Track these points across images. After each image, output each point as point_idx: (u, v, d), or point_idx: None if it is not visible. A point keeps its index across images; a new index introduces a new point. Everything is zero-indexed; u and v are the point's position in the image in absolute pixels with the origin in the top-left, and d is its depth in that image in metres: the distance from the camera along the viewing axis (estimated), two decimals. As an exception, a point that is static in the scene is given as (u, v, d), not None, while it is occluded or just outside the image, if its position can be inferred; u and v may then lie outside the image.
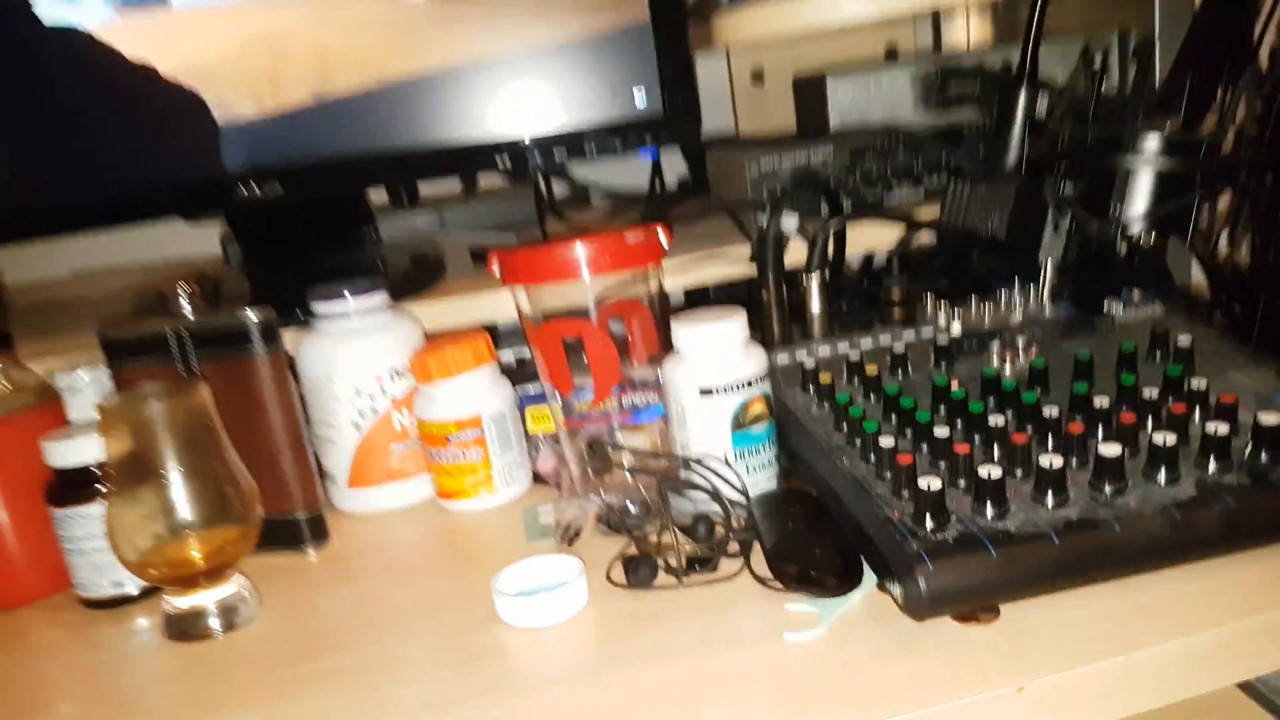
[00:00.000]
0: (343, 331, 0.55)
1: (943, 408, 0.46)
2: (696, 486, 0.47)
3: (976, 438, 0.43)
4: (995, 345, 0.52)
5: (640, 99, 0.65)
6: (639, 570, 0.44)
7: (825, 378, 0.50)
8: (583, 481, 0.51)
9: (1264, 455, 0.39)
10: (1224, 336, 0.50)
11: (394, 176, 0.73)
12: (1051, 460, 0.38)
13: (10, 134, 0.60)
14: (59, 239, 0.63)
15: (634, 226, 0.53)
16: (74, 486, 0.48)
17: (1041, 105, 0.50)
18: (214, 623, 0.45)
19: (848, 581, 0.40)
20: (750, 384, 0.48)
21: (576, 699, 0.36)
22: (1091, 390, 0.45)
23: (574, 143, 0.65)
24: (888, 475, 0.41)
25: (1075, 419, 0.43)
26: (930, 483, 0.38)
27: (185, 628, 0.45)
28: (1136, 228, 0.48)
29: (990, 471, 0.38)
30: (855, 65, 0.74)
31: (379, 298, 0.56)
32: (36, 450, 0.49)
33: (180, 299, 0.50)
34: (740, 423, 0.48)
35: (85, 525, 0.48)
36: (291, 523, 0.52)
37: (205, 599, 0.45)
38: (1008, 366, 0.50)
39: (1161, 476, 0.39)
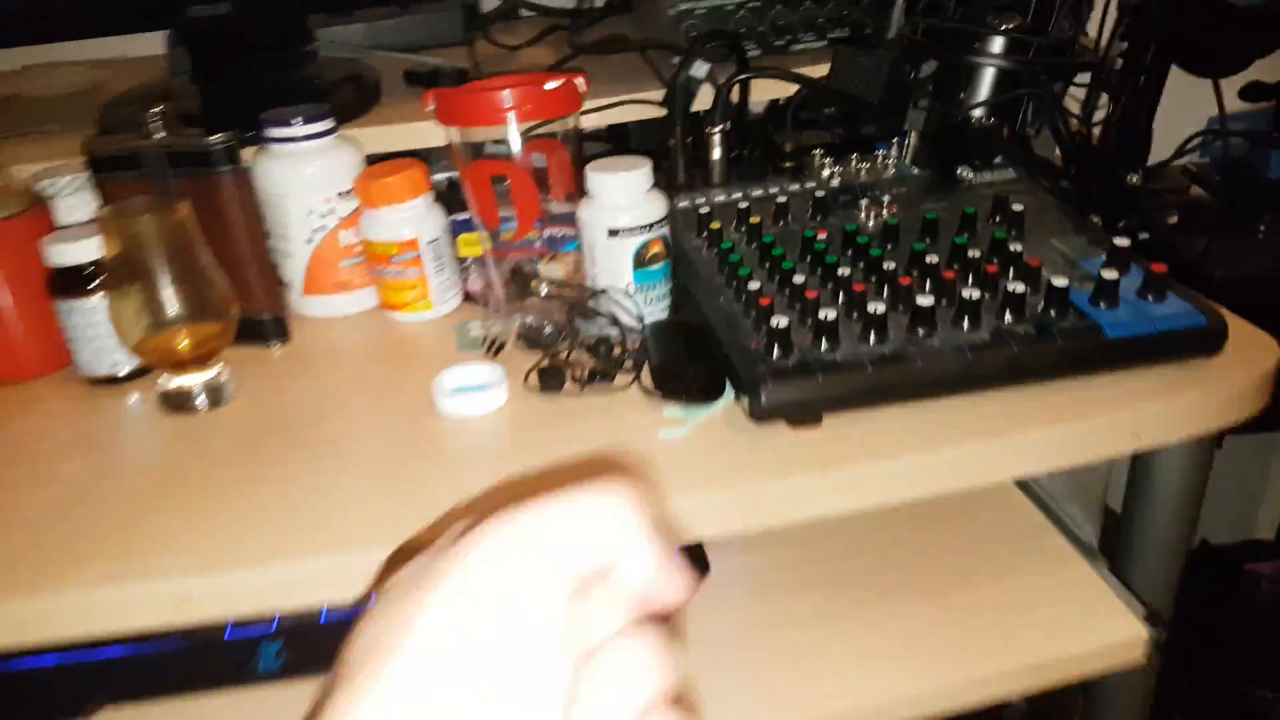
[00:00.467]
0: (293, 154, 0.61)
1: (808, 257, 0.56)
2: (600, 313, 0.57)
3: (828, 285, 0.53)
4: (864, 202, 0.61)
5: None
6: (550, 379, 0.54)
7: (715, 225, 0.59)
8: (506, 303, 0.60)
9: (1052, 311, 0.50)
10: (1059, 206, 0.59)
11: (329, 5, 0.75)
12: (876, 307, 0.49)
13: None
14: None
15: (556, 74, 0.58)
16: (72, 282, 0.55)
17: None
18: (200, 400, 0.55)
19: (712, 395, 0.51)
20: (650, 227, 0.56)
21: (494, 470, 0.47)
22: (928, 248, 0.55)
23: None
24: (752, 313, 0.51)
25: (910, 273, 0.53)
26: (780, 321, 0.48)
27: (176, 403, 0.55)
28: (976, 113, 0.56)
29: (827, 314, 0.48)
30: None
31: (326, 124, 0.62)
32: (33, 249, 0.56)
33: (153, 121, 0.55)
34: (640, 261, 0.57)
35: (84, 316, 0.56)
36: (258, 322, 0.60)
37: (192, 380, 0.54)
38: (870, 222, 0.60)
39: (965, 324, 0.50)
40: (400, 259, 0.62)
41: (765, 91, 0.71)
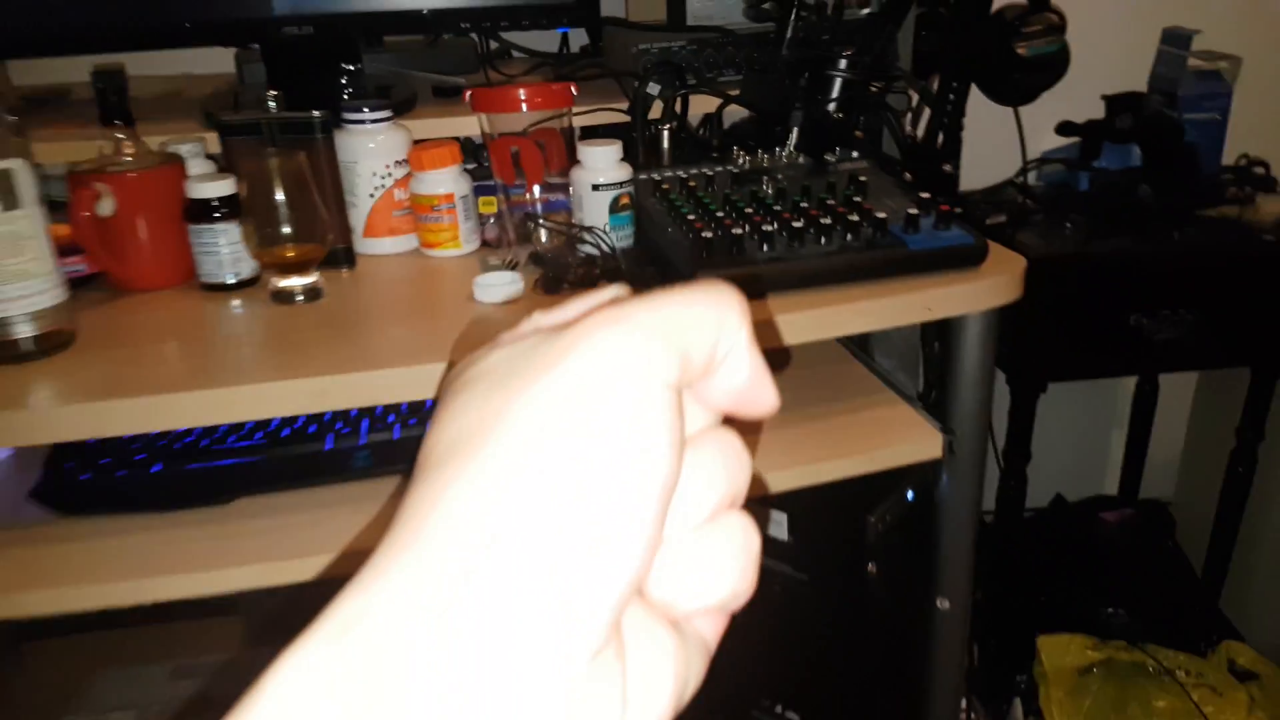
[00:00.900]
0: (362, 132, 0.86)
1: (726, 206, 0.82)
2: (587, 241, 0.82)
3: (738, 218, 0.80)
4: (764, 178, 0.88)
5: (561, -9, 0.95)
6: (552, 283, 0.79)
7: (665, 187, 0.85)
8: (517, 239, 0.85)
9: (876, 234, 0.77)
10: (893, 180, 0.87)
11: (391, 29, 1.00)
12: (767, 228, 0.75)
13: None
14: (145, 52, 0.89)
15: (555, 82, 0.85)
16: (203, 211, 0.79)
17: (799, 29, 0.85)
18: (299, 297, 0.78)
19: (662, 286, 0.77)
20: (621, 185, 0.82)
21: (512, 325, 0.72)
22: (802, 199, 0.82)
23: (513, 16, 0.95)
24: (689, 234, 0.77)
25: (790, 212, 0.80)
26: (707, 234, 0.74)
27: (283, 298, 0.78)
28: (830, 118, 0.84)
29: (736, 231, 0.75)
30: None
31: (385, 112, 0.87)
32: (168, 190, 0.79)
33: (269, 100, 0.79)
34: (614, 208, 0.83)
35: (210, 235, 0.79)
36: (333, 251, 0.84)
37: (295, 282, 0.78)
38: (769, 189, 0.87)
39: (821, 241, 0.77)
40: (440, 209, 0.86)
41: (699, 106, 0.98)
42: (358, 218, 0.88)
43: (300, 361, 0.67)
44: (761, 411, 0.24)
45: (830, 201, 0.81)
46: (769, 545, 0.91)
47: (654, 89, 0.93)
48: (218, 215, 0.79)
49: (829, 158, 0.87)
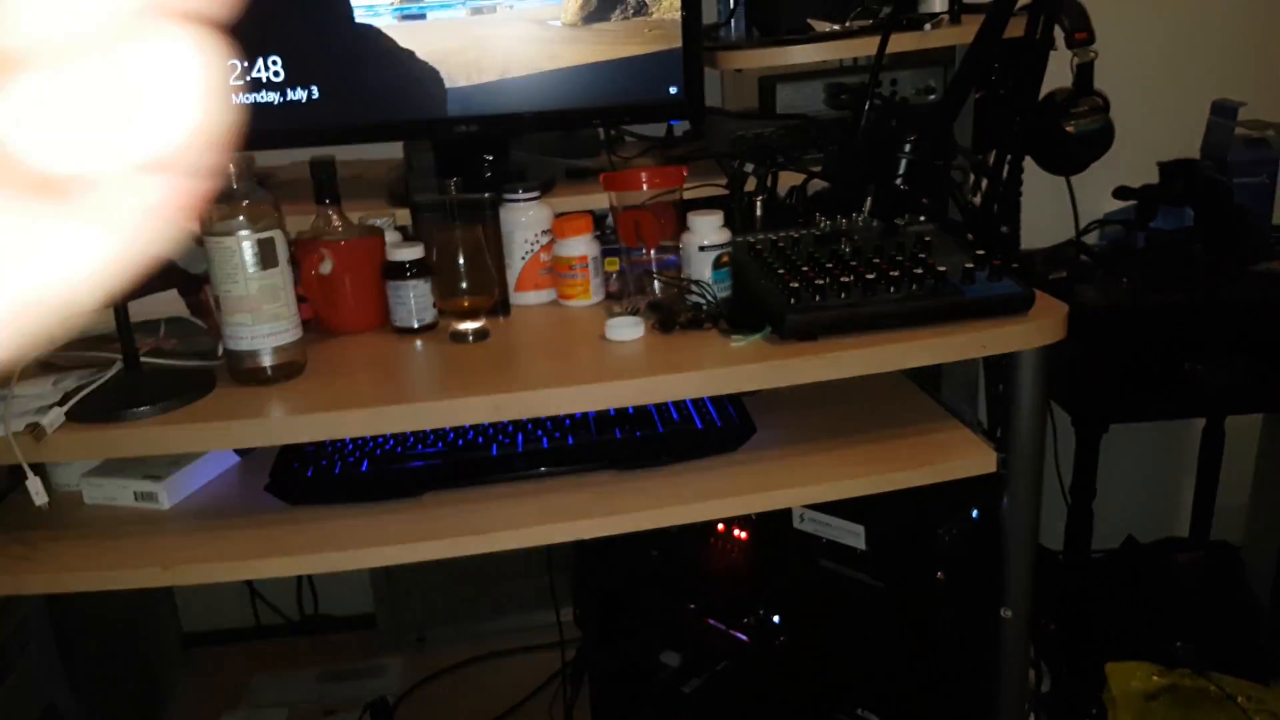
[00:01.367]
0: (516, 209, 1.07)
1: (810, 261, 1.00)
2: (694, 292, 1.01)
3: (821, 272, 0.97)
4: (842, 239, 1.05)
5: (674, 90, 1.16)
6: (666, 324, 0.98)
7: (759, 248, 1.04)
8: (637, 289, 1.05)
9: (937, 285, 0.94)
10: (955, 240, 1.04)
11: (541, 126, 1.23)
12: (845, 280, 0.92)
13: (336, 88, 1.10)
14: (346, 146, 1.14)
15: (668, 166, 1.05)
16: (398, 270, 1.00)
17: (871, 116, 1.03)
18: (470, 338, 0.99)
19: (757, 329, 0.94)
20: (722, 246, 1.01)
21: (636, 358, 0.90)
22: (875, 256, 0.99)
23: (635, 113, 1.16)
24: (778, 285, 0.95)
25: (865, 266, 0.97)
26: (793, 285, 0.92)
27: (459, 338, 0.99)
28: (899, 190, 1.01)
29: (819, 283, 0.92)
30: (795, 71, 1.26)
31: (534, 193, 1.08)
32: (373, 254, 1.01)
33: (450, 186, 1.02)
34: (717, 265, 1.01)
35: (403, 290, 1.00)
36: (494, 302, 1.05)
37: (468, 326, 0.99)
38: (846, 248, 1.04)
39: (890, 290, 0.93)
40: (576, 268, 1.07)
41: (787, 180, 1.17)
42: (512, 276, 1.09)
43: (479, 383, 0.87)
44: None
45: (899, 258, 0.98)
46: (848, 554, 1.06)
47: (749, 167, 1.12)
48: (409, 274, 1.00)
49: (899, 222, 1.05)
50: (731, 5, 1.34)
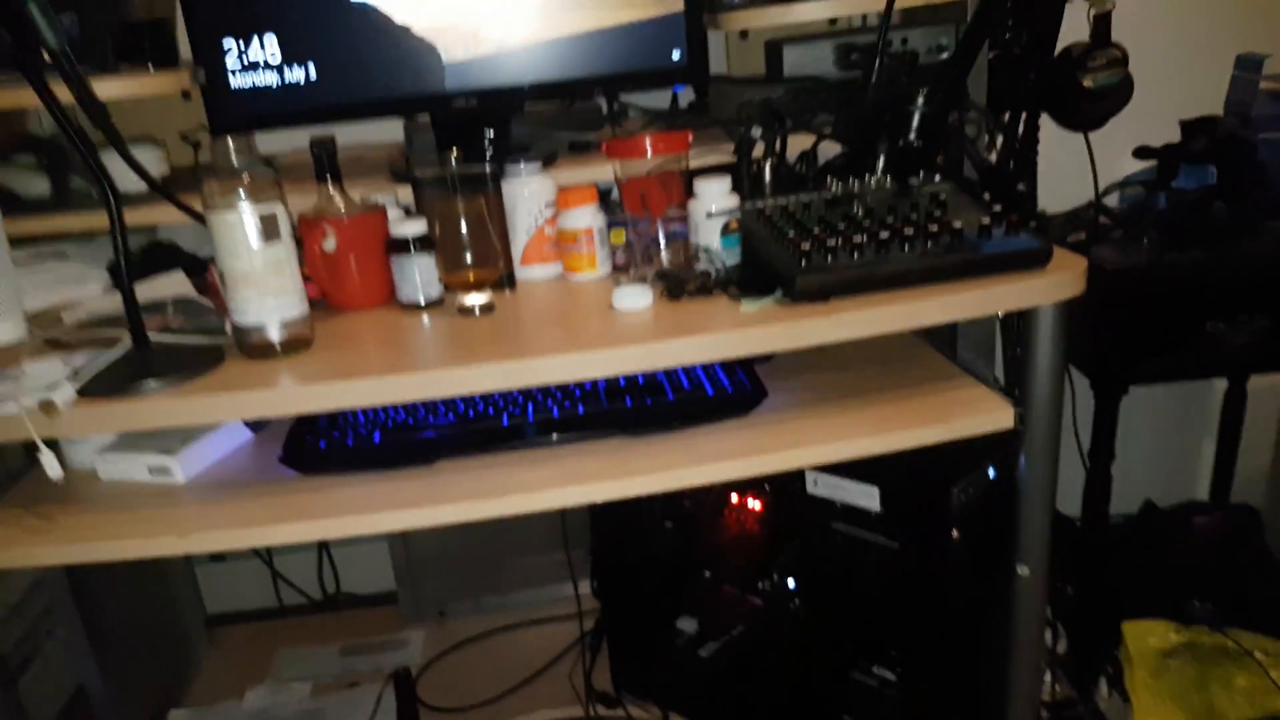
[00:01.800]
0: (519, 181, 1.06)
1: (822, 223, 0.98)
2: (701, 260, 1.00)
3: (832, 233, 0.96)
4: (855, 201, 1.03)
5: (676, 56, 1.14)
6: (675, 291, 0.97)
7: (769, 213, 1.02)
8: (645, 259, 1.04)
9: (953, 241, 0.92)
10: (971, 199, 1.02)
11: (541, 96, 1.21)
12: (857, 239, 0.91)
13: (333, 66, 1.09)
14: (346, 126, 1.13)
15: (673, 132, 1.03)
16: (401, 247, 1.00)
17: (882, 74, 1.01)
18: (477, 311, 0.98)
19: (768, 292, 0.93)
20: (730, 212, 0.99)
21: (645, 325, 0.89)
22: (889, 217, 0.97)
23: (637, 80, 1.14)
24: (789, 247, 0.94)
25: (879, 228, 0.95)
26: (804, 246, 0.91)
27: (465, 311, 0.98)
28: (913, 147, 0.99)
29: (830, 244, 0.91)
30: (803, 34, 1.24)
31: (537, 165, 1.07)
32: (377, 230, 1.00)
33: (451, 159, 1.01)
34: (725, 231, 1.00)
35: (408, 265, 1.00)
36: (500, 276, 1.04)
37: (474, 300, 0.98)
38: (859, 210, 1.02)
39: (905, 249, 0.92)
40: (580, 240, 1.06)
41: (796, 145, 1.15)
42: (517, 250, 1.08)
43: (487, 353, 0.86)
44: None
45: (913, 217, 0.96)
46: (862, 516, 1.05)
47: (756, 132, 1.10)
48: (413, 249, 1.00)
49: (913, 181, 1.03)
50: (735, -32, 1.32)
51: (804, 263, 0.90)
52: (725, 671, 1.25)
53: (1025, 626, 1.05)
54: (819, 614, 1.14)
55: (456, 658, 1.57)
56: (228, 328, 0.93)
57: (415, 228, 1.00)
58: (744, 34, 1.40)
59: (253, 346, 0.90)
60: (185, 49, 1.15)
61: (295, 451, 0.93)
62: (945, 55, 1.24)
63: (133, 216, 1.17)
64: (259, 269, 0.88)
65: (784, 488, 1.13)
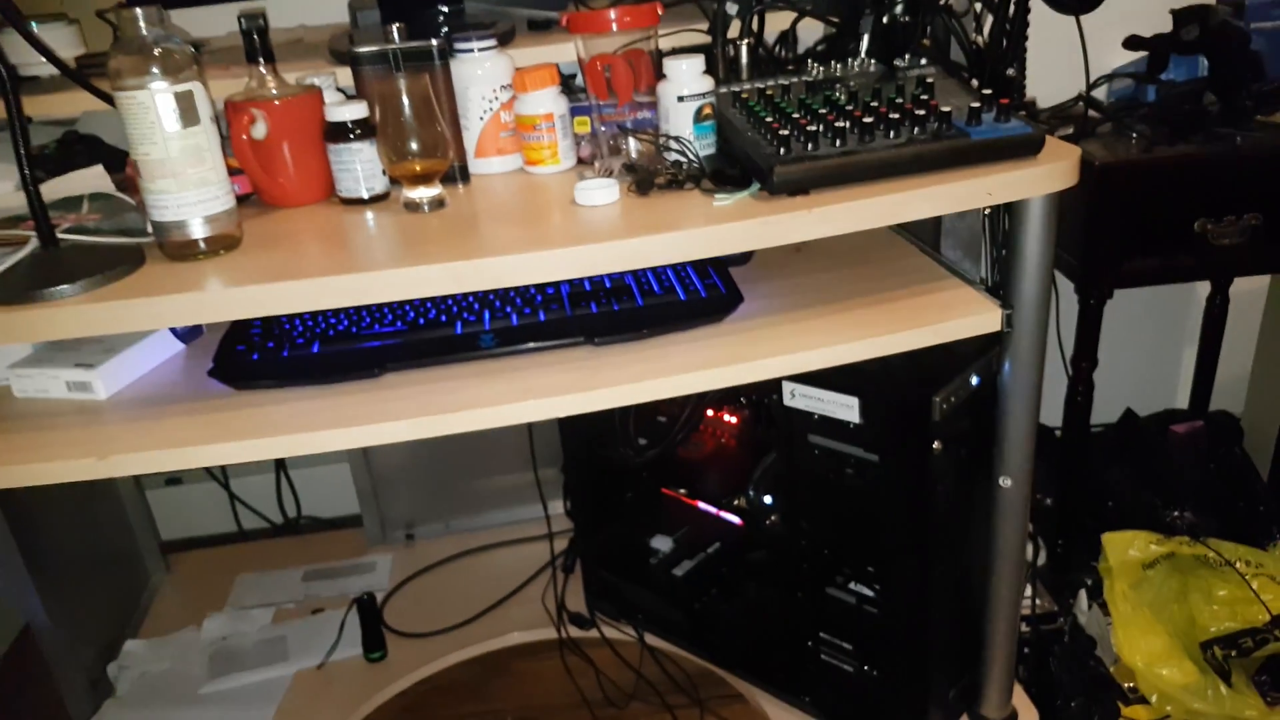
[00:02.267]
0: (471, 60, 0.96)
1: (801, 108, 0.90)
2: (673, 149, 0.91)
3: (812, 118, 0.88)
4: (837, 85, 0.95)
5: (643, -75, 1.03)
6: (644, 185, 0.88)
7: (745, 96, 0.93)
8: (610, 150, 0.95)
9: (941, 126, 0.84)
10: (958, 82, 0.94)
11: None
12: (840, 125, 0.83)
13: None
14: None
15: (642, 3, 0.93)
16: (340, 132, 0.90)
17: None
18: (425, 206, 0.89)
19: (744, 185, 0.85)
20: (704, 95, 0.91)
21: (610, 223, 0.81)
22: (873, 99, 0.89)
23: (601, -48, 1.03)
24: (766, 134, 0.86)
25: (861, 110, 0.87)
26: (783, 133, 0.82)
27: (413, 207, 0.89)
28: (898, 24, 0.91)
29: (811, 129, 0.83)
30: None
31: (491, 42, 0.97)
32: (312, 114, 0.90)
33: (394, 32, 0.90)
34: (698, 118, 0.91)
35: (347, 155, 0.90)
36: (451, 169, 0.95)
37: (422, 194, 0.89)
38: (841, 94, 0.94)
39: (890, 134, 0.84)
40: (541, 127, 0.96)
41: (775, 24, 1.06)
42: (469, 140, 0.98)
43: (436, 254, 0.78)
44: None
45: (899, 100, 0.88)
46: (841, 428, 0.99)
47: (732, 8, 1.01)
48: (353, 135, 0.90)
49: (898, 63, 0.94)
50: None
51: (783, 150, 0.82)
52: (700, 590, 1.21)
53: (1006, 539, 1.01)
54: (796, 531, 1.10)
55: (425, 581, 1.52)
56: (149, 227, 0.83)
57: (354, 111, 0.90)
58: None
59: (174, 246, 0.81)
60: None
61: (226, 364, 0.85)
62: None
63: (45, 104, 1.06)
64: (175, 157, 0.78)
65: (761, 400, 1.07)
